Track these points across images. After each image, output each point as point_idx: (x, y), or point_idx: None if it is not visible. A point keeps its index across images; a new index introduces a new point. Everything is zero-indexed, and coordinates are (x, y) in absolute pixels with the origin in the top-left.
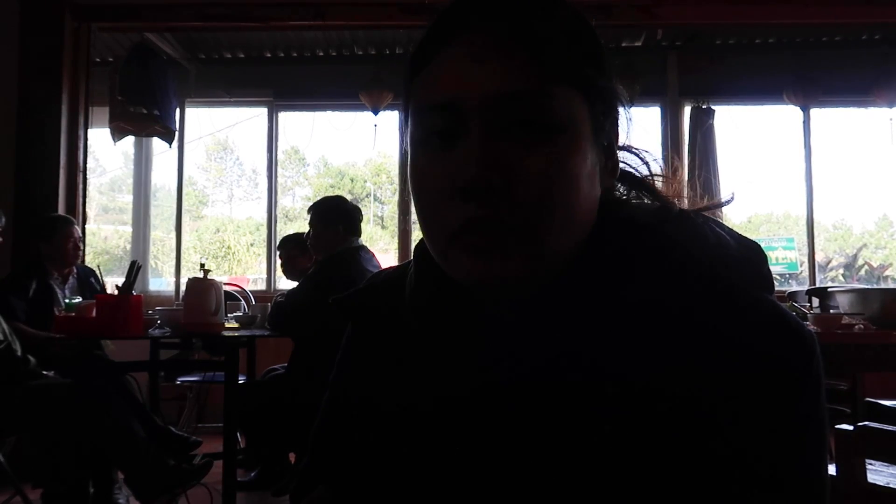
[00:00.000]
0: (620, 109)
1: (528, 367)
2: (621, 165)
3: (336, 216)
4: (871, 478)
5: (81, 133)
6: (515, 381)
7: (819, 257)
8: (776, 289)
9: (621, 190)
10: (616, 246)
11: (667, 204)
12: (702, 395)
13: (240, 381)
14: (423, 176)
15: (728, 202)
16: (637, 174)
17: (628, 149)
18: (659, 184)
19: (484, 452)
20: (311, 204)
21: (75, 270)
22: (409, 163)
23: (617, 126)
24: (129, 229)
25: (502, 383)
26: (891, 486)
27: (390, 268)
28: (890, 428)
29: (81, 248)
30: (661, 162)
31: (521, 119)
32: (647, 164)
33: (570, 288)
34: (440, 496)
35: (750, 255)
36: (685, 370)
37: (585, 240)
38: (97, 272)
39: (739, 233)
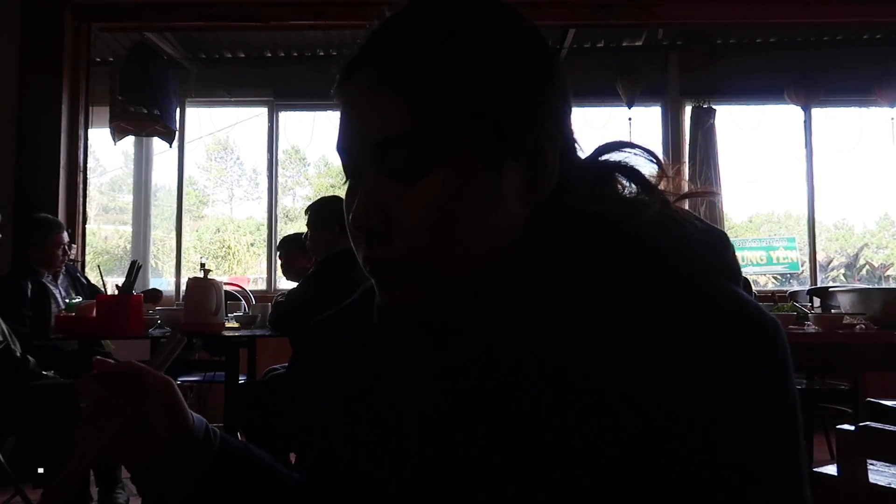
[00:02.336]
0: (554, 114)
1: (490, 378)
2: (622, 159)
3: (331, 217)
4: (873, 478)
5: (81, 133)
6: (480, 391)
7: (820, 257)
8: (778, 288)
9: (624, 184)
10: (565, 247)
11: (646, 198)
12: (665, 392)
13: (240, 381)
14: (345, 209)
15: (711, 194)
16: (635, 168)
17: (629, 144)
18: (657, 180)
19: (456, 462)
20: (310, 203)
21: (63, 268)
22: None
23: (550, 136)
24: (129, 229)
25: (468, 393)
26: (892, 486)
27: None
28: (891, 428)
29: (68, 252)
30: (661, 158)
31: (399, 161)
32: (654, 159)
33: (521, 295)
34: None
35: (712, 243)
36: (645, 368)
37: (521, 249)
38: (98, 271)
39: (707, 223)
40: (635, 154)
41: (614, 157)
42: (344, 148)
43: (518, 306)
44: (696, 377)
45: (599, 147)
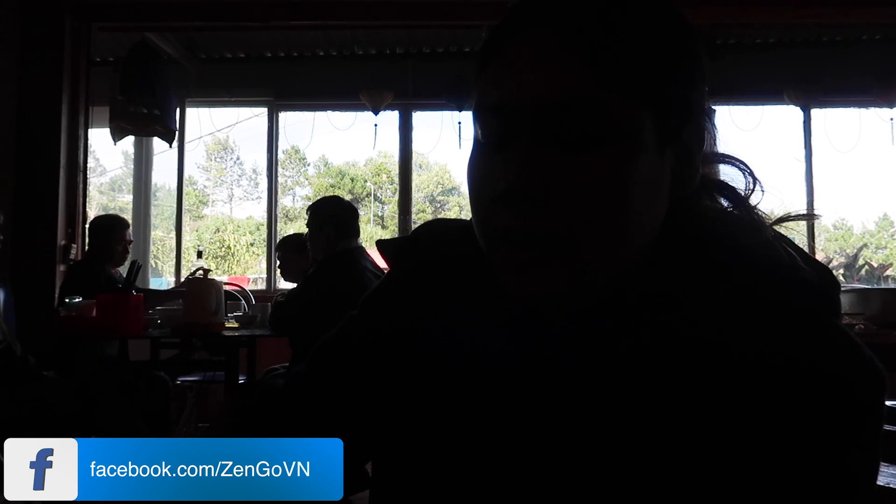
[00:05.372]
0: (708, 116)
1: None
2: (723, 176)
3: (328, 218)
4: None
5: (81, 133)
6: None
7: (819, 257)
8: None
9: (722, 203)
10: (679, 265)
11: (756, 220)
12: (782, 425)
13: (240, 381)
14: (473, 175)
15: (812, 217)
16: (735, 187)
17: (729, 159)
18: (756, 197)
19: (517, 428)
20: (310, 204)
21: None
22: (468, 157)
23: (700, 134)
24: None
25: (549, 372)
26: (891, 486)
27: (446, 223)
28: (891, 428)
29: (128, 251)
30: (758, 175)
31: (570, 128)
32: (749, 175)
33: (629, 303)
34: (471, 467)
35: (822, 278)
36: (764, 397)
37: (651, 253)
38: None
39: (807, 253)
40: (734, 167)
41: (710, 168)
42: (498, 106)
43: (646, 304)
44: (800, 405)
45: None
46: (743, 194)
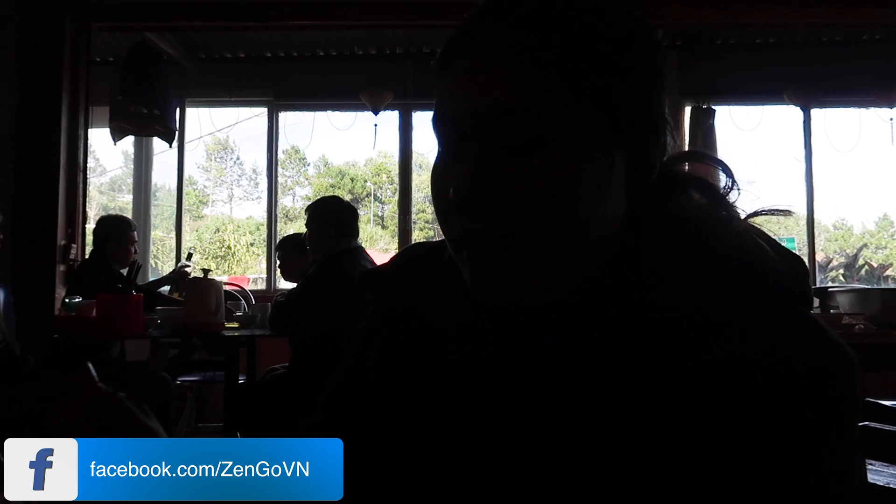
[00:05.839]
0: (662, 112)
1: (570, 370)
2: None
3: (328, 218)
4: (872, 478)
5: (81, 133)
6: (556, 385)
7: (819, 257)
8: None
9: (696, 197)
10: (647, 257)
11: (727, 214)
12: (748, 414)
13: (240, 381)
14: (434, 183)
15: (786, 212)
16: (710, 182)
17: (706, 158)
18: (733, 193)
19: (496, 431)
20: (309, 203)
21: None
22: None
23: (656, 133)
24: None
25: (522, 377)
26: (891, 486)
27: (421, 247)
28: (890, 428)
29: (137, 251)
30: (734, 174)
31: (514, 134)
32: (726, 172)
33: (594, 299)
34: (454, 472)
35: (793, 268)
36: (729, 387)
37: (616, 247)
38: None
39: (780, 244)
40: (711, 166)
41: (685, 167)
42: (450, 117)
43: (610, 301)
44: (771, 393)
45: (672, 155)
46: (721, 191)
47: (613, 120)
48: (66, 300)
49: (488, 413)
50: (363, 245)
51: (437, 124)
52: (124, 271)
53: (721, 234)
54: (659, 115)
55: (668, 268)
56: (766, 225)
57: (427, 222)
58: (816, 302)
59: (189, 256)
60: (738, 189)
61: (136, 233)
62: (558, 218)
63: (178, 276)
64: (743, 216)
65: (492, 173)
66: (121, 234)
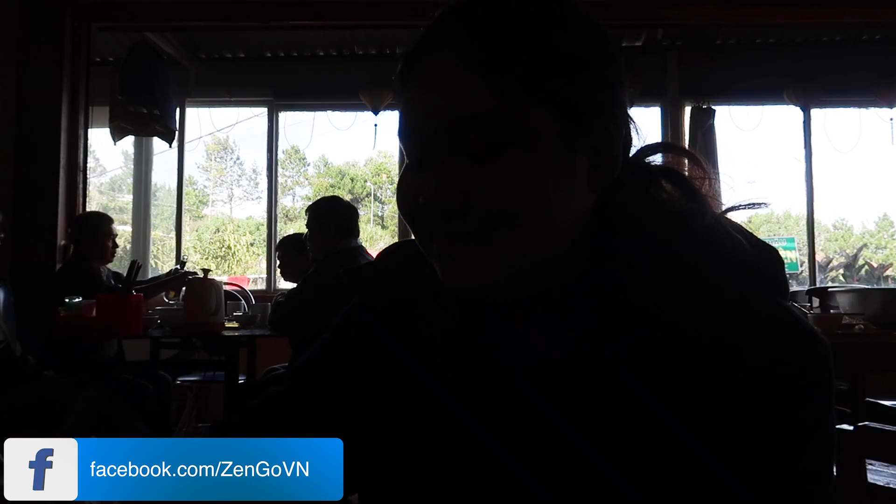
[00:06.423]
0: (622, 106)
1: (527, 362)
2: (661, 162)
3: (328, 218)
4: (872, 478)
5: (81, 133)
6: (519, 372)
7: (819, 257)
8: None
9: (668, 189)
10: (618, 251)
11: (699, 206)
12: (718, 406)
13: (240, 381)
14: (401, 191)
15: (761, 205)
16: (683, 174)
17: (676, 149)
18: (700, 183)
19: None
20: (310, 203)
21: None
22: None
23: (618, 127)
24: (129, 229)
25: (508, 371)
26: (891, 486)
27: (406, 243)
28: (890, 428)
29: (118, 245)
30: (706, 166)
31: (475, 139)
32: (697, 164)
33: (570, 293)
34: (442, 476)
35: (766, 258)
36: (697, 382)
37: (584, 240)
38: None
39: (755, 235)
40: (680, 158)
41: (657, 159)
42: (413, 129)
43: (578, 297)
44: (743, 388)
45: (643, 147)
46: (693, 182)
47: (571, 117)
48: (66, 300)
49: (472, 406)
50: (363, 245)
51: (402, 137)
52: (118, 269)
53: (692, 227)
54: (618, 108)
55: (638, 263)
56: (766, 224)
57: None
58: (816, 301)
59: (182, 265)
60: (711, 179)
61: (113, 226)
62: (522, 214)
63: (172, 279)
64: (720, 210)
65: (458, 181)
66: (92, 227)
